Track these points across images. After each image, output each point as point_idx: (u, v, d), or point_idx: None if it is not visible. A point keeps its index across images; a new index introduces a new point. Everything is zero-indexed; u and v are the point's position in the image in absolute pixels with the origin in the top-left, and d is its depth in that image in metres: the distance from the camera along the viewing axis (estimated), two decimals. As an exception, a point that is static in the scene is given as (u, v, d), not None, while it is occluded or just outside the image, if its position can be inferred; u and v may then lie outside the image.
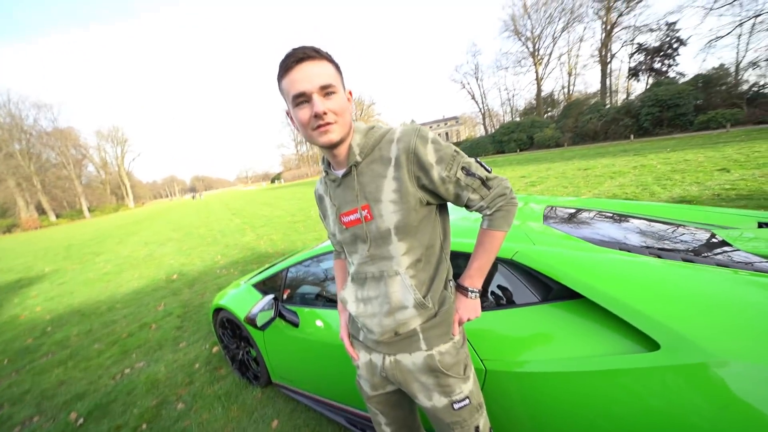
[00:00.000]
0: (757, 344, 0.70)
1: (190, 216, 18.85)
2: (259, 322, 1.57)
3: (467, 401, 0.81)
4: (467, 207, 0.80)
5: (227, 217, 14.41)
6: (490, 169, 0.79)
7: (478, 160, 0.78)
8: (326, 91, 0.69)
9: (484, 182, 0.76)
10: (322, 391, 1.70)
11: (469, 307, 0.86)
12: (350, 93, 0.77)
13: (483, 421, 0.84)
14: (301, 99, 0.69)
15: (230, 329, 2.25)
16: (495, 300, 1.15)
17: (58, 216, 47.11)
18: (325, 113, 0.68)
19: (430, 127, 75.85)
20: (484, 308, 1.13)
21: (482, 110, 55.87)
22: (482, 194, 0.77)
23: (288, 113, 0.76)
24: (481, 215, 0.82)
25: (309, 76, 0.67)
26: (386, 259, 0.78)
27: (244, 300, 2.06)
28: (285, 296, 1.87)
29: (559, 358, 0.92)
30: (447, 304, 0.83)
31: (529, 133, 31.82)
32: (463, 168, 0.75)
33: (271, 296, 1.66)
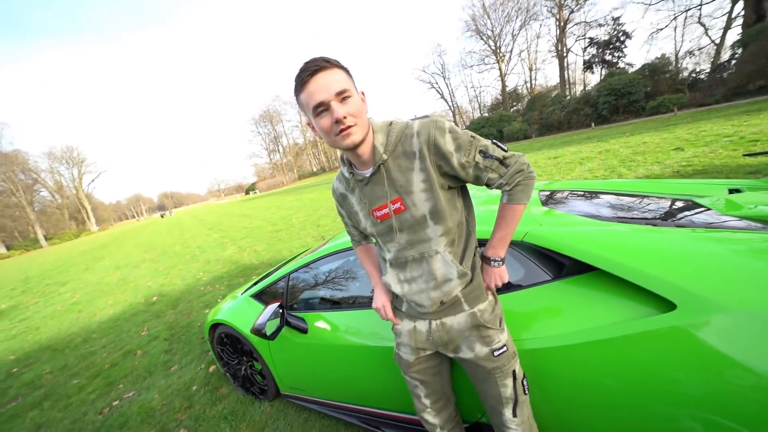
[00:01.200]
0: (759, 293, 0.76)
1: (161, 235, 17.86)
2: (269, 331, 1.51)
3: (505, 348, 0.92)
4: (488, 185, 0.86)
5: (204, 232, 13.79)
6: (506, 148, 0.84)
7: (494, 141, 0.84)
8: (342, 96, 0.74)
9: (502, 162, 0.82)
10: (335, 395, 1.66)
11: (495, 274, 0.95)
12: (363, 93, 0.82)
13: (518, 366, 0.95)
14: (321, 108, 0.74)
15: (230, 344, 2.16)
16: (509, 283, 1.18)
17: (9, 248, 43.09)
18: (345, 117, 0.73)
19: (403, 127, 76.72)
20: (499, 291, 1.16)
21: (452, 108, 57.27)
22: (500, 173, 0.83)
23: (309, 124, 0.81)
24: (501, 191, 0.89)
25: (324, 85, 0.72)
26: (425, 242, 0.86)
27: (244, 312, 1.98)
28: (292, 303, 1.82)
29: (580, 330, 0.95)
30: (478, 268, 0.95)
31: (499, 127, 32.98)
32: (480, 152, 0.80)
33: (276, 304, 1.61)
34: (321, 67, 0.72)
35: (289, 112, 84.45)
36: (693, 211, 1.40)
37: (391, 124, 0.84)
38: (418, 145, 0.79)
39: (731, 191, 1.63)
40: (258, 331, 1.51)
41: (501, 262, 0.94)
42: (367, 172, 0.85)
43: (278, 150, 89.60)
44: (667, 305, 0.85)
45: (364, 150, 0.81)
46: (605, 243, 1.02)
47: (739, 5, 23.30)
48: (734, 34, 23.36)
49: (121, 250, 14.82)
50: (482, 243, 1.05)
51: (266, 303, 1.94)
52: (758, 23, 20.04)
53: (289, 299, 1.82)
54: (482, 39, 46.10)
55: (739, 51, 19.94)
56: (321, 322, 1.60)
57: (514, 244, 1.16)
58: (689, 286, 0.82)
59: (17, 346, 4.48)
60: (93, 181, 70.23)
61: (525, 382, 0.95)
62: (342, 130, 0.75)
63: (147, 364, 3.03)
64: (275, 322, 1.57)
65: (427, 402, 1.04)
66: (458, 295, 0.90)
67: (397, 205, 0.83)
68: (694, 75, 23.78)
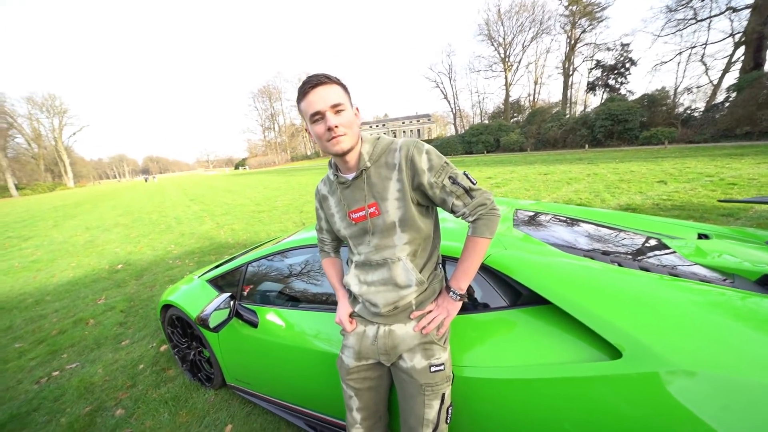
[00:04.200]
0: (716, 354, 0.74)
1: (140, 200, 17.25)
2: (212, 323, 1.44)
3: (443, 367, 0.94)
4: (453, 212, 0.92)
5: (184, 203, 13.39)
6: (475, 181, 0.91)
7: (466, 173, 0.91)
8: (336, 108, 0.83)
9: (467, 191, 0.89)
10: (281, 394, 1.61)
11: (446, 305, 0.97)
12: (357, 109, 0.92)
13: (449, 392, 0.96)
14: (317, 117, 0.84)
15: (180, 327, 2.07)
16: (466, 304, 1.14)
17: (-25, 193, 40.79)
18: (336, 126, 0.83)
19: (402, 122, 76.40)
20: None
21: (454, 110, 57.30)
22: (465, 201, 0.89)
23: (307, 129, 0.92)
24: (467, 223, 0.93)
25: (322, 97, 0.82)
26: (390, 248, 0.93)
27: (196, 297, 1.89)
28: (246, 293, 1.74)
29: (525, 365, 0.92)
30: (436, 280, 1.00)
31: (496, 136, 33.19)
32: (450, 177, 0.88)
33: (227, 295, 1.53)
34: (321, 82, 0.82)
35: (288, 91, 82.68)
36: (660, 253, 1.40)
37: (378, 138, 0.94)
38: (399, 158, 0.88)
39: (700, 236, 1.64)
40: (203, 321, 1.44)
41: (459, 298, 0.96)
42: (351, 176, 0.93)
43: (273, 128, 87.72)
44: (615, 352, 0.83)
45: (351, 157, 0.90)
46: (562, 278, 0.99)
47: (741, 50, 24.00)
48: (732, 77, 24.17)
49: (96, 210, 14.24)
50: (446, 258, 1.13)
51: (221, 290, 1.86)
52: (755, 70, 20.75)
53: (244, 290, 1.74)
54: (493, 45, 46.10)
55: (734, 95, 20.58)
56: (273, 318, 1.54)
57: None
58: (639, 335, 0.80)
59: (-38, 300, 4.23)
60: (74, 134, 67.06)
61: (450, 411, 0.96)
62: (333, 138, 0.84)
63: (97, 335, 2.90)
64: (223, 312, 1.49)
65: (357, 417, 1.03)
66: (412, 301, 0.95)
67: (373, 209, 0.91)
68: (688, 111, 24.48)
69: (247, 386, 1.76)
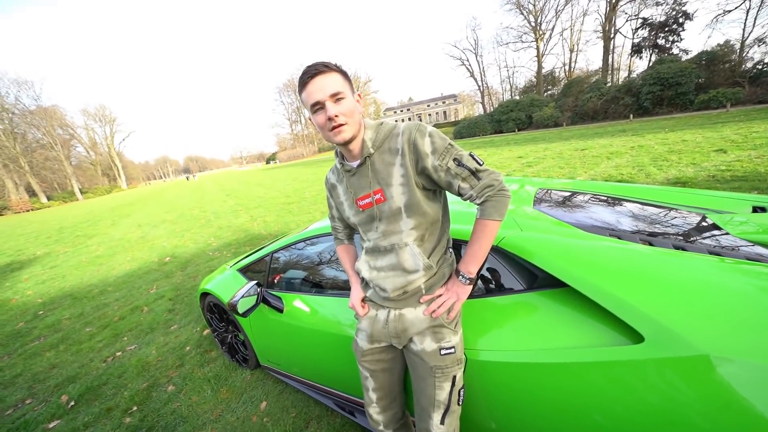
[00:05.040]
0: (745, 339, 0.67)
1: (183, 197, 18.62)
2: (240, 309, 1.54)
3: (453, 350, 0.94)
4: (460, 195, 0.89)
5: (221, 198, 14.24)
6: (482, 162, 0.88)
7: (472, 154, 0.88)
8: (336, 97, 0.83)
9: (473, 173, 0.86)
10: (310, 375, 1.70)
11: (456, 289, 0.95)
12: (359, 95, 0.91)
13: (460, 374, 0.96)
14: (317, 107, 0.84)
15: (217, 313, 2.24)
16: (481, 287, 1.12)
17: (49, 198, 46.25)
18: (336, 116, 0.82)
19: (428, 105, 74.24)
20: (470, 296, 1.10)
21: (481, 88, 54.55)
22: (471, 184, 0.86)
23: (310, 119, 0.91)
24: (475, 205, 0.91)
25: (321, 87, 0.82)
26: (397, 233, 0.93)
27: (229, 285, 2.02)
28: (272, 281, 1.84)
29: (542, 349, 0.89)
30: (446, 264, 0.99)
31: (528, 112, 31.25)
32: (454, 159, 0.86)
33: (253, 282, 1.63)
34: (320, 71, 0.81)
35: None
36: (700, 229, 1.26)
37: (381, 124, 0.93)
38: (401, 143, 0.87)
39: (755, 209, 1.45)
40: (233, 308, 1.54)
41: (469, 282, 0.94)
42: (355, 164, 0.93)
43: (300, 121, 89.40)
44: (637, 336, 0.77)
45: (355, 145, 0.90)
46: (581, 259, 0.93)
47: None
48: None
49: (146, 208, 15.60)
50: (456, 243, 1.11)
51: (250, 278, 1.98)
52: None
53: (271, 278, 1.83)
54: (522, 14, 42.74)
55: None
56: (299, 303, 1.61)
57: (490, 249, 1.09)
58: (662, 319, 0.74)
59: (45, 291, 4.90)
60: (124, 140, 73.38)
61: (462, 393, 0.96)
62: (334, 127, 0.84)
63: (151, 320, 3.23)
64: (251, 299, 1.59)
65: (373, 396, 1.06)
66: (421, 286, 0.95)
67: (378, 195, 0.91)
68: (759, 67, 21.15)
69: (278, 367, 1.88)
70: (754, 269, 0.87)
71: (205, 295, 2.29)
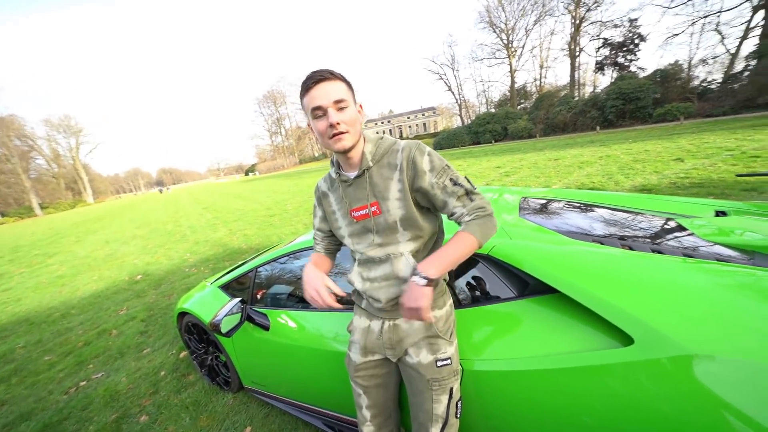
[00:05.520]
0: (736, 338, 0.70)
1: (156, 211, 17.75)
2: (224, 329, 1.46)
3: (449, 361, 0.93)
4: (452, 214, 0.89)
5: (197, 211, 13.70)
6: (475, 187, 0.90)
7: (467, 178, 0.91)
8: (339, 105, 0.82)
9: (468, 193, 0.88)
10: (297, 395, 1.62)
11: (410, 293, 0.79)
12: (360, 106, 0.91)
13: (457, 385, 0.94)
14: (318, 112, 0.82)
15: (196, 334, 2.11)
16: (473, 297, 1.12)
17: (3, 214, 42.77)
18: (338, 123, 0.82)
19: (408, 117, 75.77)
20: (463, 305, 1.10)
21: (458, 101, 56.51)
22: (464, 203, 0.88)
23: (309, 125, 0.89)
24: (460, 223, 0.90)
25: (325, 93, 0.81)
26: (393, 244, 0.92)
27: (209, 303, 1.92)
28: (256, 297, 1.76)
29: (536, 355, 0.90)
30: (441, 278, 0.94)
31: (504, 124, 32.59)
32: (451, 179, 0.88)
33: (237, 300, 1.55)
34: (325, 77, 0.81)
35: (293, 94, 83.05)
36: (673, 233, 1.34)
37: (381, 138, 0.93)
38: (401, 159, 0.88)
39: (717, 213, 1.56)
40: (215, 327, 1.46)
41: (425, 281, 0.78)
42: (352, 174, 0.93)
43: (280, 132, 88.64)
44: (627, 339, 0.79)
45: (354, 155, 0.90)
46: (570, 265, 0.95)
47: (759, 15, 22.71)
48: (750, 45, 22.85)
49: (114, 223, 14.74)
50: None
51: (232, 295, 1.89)
52: (775, 35, 19.64)
53: (254, 294, 1.76)
54: (495, 32, 45.10)
55: (753, 62, 19.56)
56: (284, 320, 1.55)
57: (482, 258, 1.10)
58: (651, 321, 0.76)
59: (-4, 317, 4.45)
60: (91, 152, 69.58)
61: (459, 405, 0.94)
62: (335, 135, 0.83)
63: (120, 345, 3.00)
64: (235, 317, 1.51)
65: (367, 414, 1.02)
66: None
67: (374, 208, 0.91)
68: (704, 84, 23.37)
69: (263, 388, 1.79)
70: (726, 269, 0.92)
71: (182, 314, 2.16)
